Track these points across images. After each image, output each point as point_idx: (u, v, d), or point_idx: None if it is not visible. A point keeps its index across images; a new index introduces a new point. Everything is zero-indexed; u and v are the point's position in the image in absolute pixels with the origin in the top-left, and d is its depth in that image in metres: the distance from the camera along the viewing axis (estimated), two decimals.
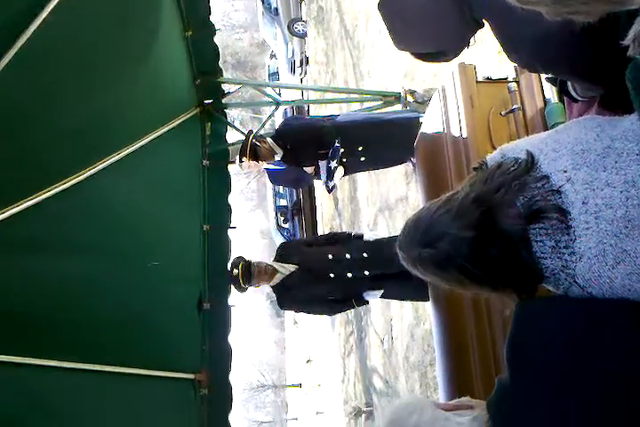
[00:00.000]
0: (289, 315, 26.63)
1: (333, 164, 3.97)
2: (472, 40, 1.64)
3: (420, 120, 3.67)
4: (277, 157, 3.99)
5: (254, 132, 4.09)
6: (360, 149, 4.10)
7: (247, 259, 3.41)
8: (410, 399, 0.98)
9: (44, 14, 1.55)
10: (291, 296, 3.59)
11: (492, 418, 0.86)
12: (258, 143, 3.91)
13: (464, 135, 2.42)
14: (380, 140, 4.08)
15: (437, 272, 0.98)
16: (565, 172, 0.90)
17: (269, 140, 3.99)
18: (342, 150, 3.98)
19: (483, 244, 0.90)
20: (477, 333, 2.10)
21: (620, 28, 0.90)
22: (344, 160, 4.06)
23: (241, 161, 3.90)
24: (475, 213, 0.91)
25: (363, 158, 4.16)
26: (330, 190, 4.19)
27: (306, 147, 4.04)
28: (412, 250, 0.98)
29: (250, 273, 3.31)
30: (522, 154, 0.95)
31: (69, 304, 1.83)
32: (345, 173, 4.24)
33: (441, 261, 0.94)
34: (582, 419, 0.78)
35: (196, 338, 2.44)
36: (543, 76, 2.14)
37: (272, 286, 3.63)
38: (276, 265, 3.51)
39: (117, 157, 2.24)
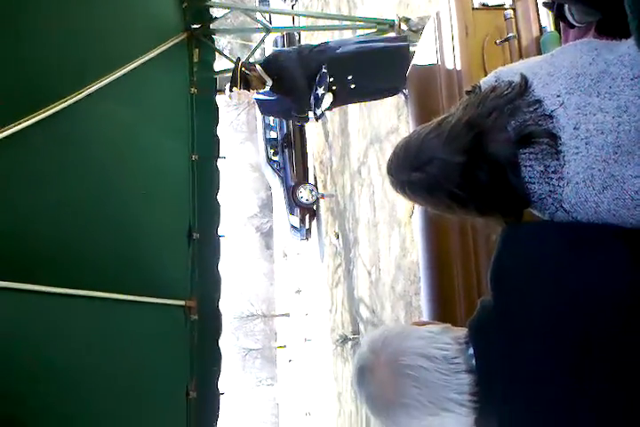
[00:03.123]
0: (278, 247, 26.95)
1: (320, 91, 3.92)
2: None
3: (412, 49, 3.59)
4: (268, 85, 3.91)
5: (243, 59, 3.99)
6: (350, 77, 4.03)
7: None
8: (394, 324, 1.01)
9: None
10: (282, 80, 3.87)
11: (472, 339, 0.88)
12: (248, 72, 3.82)
13: (458, 64, 2.37)
14: (371, 68, 4.00)
15: (426, 197, 0.98)
16: (559, 96, 0.89)
17: (259, 67, 3.90)
18: (331, 79, 3.92)
19: (472, 169, 0.90)
20: (462, 260, 2.14)
21: None
22: (333, 88, 3.99)
23: (231, 90, 3.83)
24: (466, 138, 0.90)
25: (352, 86, 4.08)
26: (318, 118, 4.14)
27: (294, 77, 3.96)
28: (401, 174, 0.98)
29: (247, 79, 3.63)
30: (516, 77, 0.93)
31: (59, 231, 1.83)
32: (334, 103, 4.17)
33: (430, 185, 0.94)
34: (567, 336, 0.80)
35: (187, 267, 2.47)
36: (540, 0, 2.08)
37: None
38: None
39: (103, 83, 2.18)
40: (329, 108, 4.20)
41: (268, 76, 3.94)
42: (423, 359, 0.85)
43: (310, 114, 4.11)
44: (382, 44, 4.19)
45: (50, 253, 1.75)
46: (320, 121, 11.01)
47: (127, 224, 2.09)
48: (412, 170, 0.95)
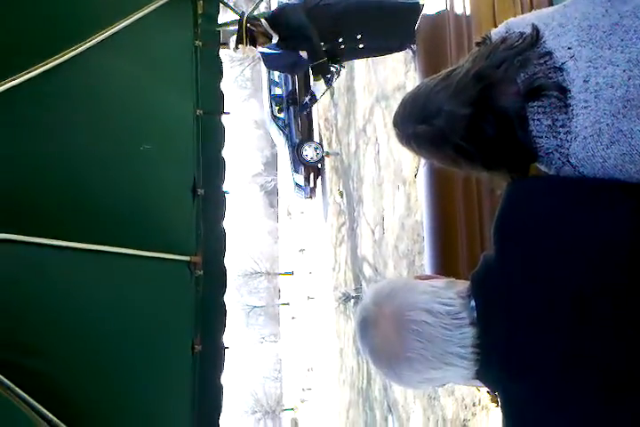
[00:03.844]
0: (283, 206, 27.02)
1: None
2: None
3: (422, 4, 3.51)
4: (274, 40, 3.85)
5: (247, 14, 3.91)
6: (359, 37, 3.95)
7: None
8: (395, 278, 1.02)
9: None
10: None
11: (474, 292, 0.88)
12: (253, 27, 3.76)
13: (467, 18, 2.32)
14: (380, 26, 3.92)
15: (432, 150, 0.97)
16: (570, 48, 0.87)
17: (264, 22, 3.82)
18: (340, 39, 3.87)
19: (479, 121, 0.89)
20: (466, 217, 2.14)
21: None
22: (342, 47, 3.93)
23: (237, 47, 3.78)
24: (474, 90, 0.88)
25: (361, 46, 4.02)
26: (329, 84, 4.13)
27: (303, 30, 3.89)
28: (407, 126, 0.97)
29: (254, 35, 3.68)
30: (527, 28, 0.91)
31: (63, 185, 1.83)
32: (342, 61, 4.11)
33: (436, 138, 0.93)
34: (567, 287, 0.81)
35: (191, 222, 2.47)
36: None
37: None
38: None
39: (106, 35, 2.14)
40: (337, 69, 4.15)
41: (275, 30, 3.86)
42: (427, 314, 0.86)
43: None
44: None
45: (53, 206, 1.75)
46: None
47: (131, 179, 2.08)
48: (418, 122, 0.94)
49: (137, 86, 2.27)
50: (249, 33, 3.69)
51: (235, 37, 5.11)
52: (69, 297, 1.80)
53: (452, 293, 0.89)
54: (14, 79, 1.66)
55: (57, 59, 1.85)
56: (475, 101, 0.88)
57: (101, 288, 1.92)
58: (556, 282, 0.82)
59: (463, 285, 0.91)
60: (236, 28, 3.74)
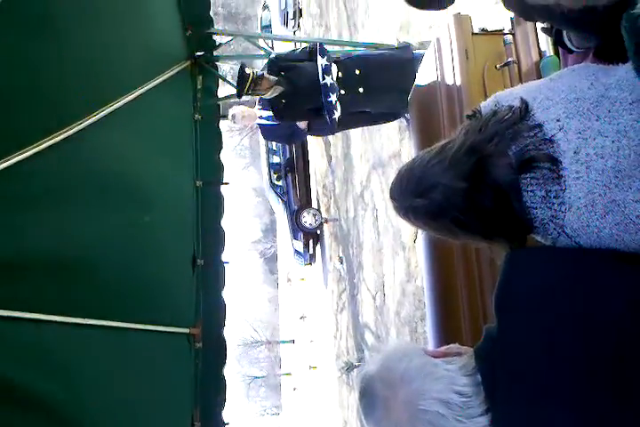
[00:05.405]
0: (282, 273, 26.87)
1: (333, 98, 3.94)
2: None
3: (420, 58, 3.62)
4: (277, 92, 3.91)
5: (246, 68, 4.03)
6: (357, 72, 4.04)
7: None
8: (399, 345, 1.00)
9: None
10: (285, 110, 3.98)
11: (479, 368, 0.87)
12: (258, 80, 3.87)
13: (458, 89, 2.39)
14: (379, 68, 4.01)
15: (429, 222, 0.98)
16: (558, 120, 0.89)
17: (266, 74, 3.96)
18: (339, 74, 3.96)
19: (475, 194, 0.90)
20: (467, 286, 2.13)
21: None
22: (342, 93, 3.98)
23: (239, 97, 3.89)
24: (468, 164, 0.90)
25: (361, 89, 4.07)
26: (332, 123, 4.05)
27: (304, 71, 3.97)
28: (405, 200, 0.98)
29: (256, 82, 3.70)
30: (516, 101, 0.94)
31: (64, 259, 1.83)
32: (342, 114, 4.11)
33: (433, 211, 0.94)
34: (570, 364, 0.80)
35: (191, 294, 2.46)
36: (539, 26, 2.10)
37: (268, 99, 3.99)
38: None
39: (108, 111, 2.20)
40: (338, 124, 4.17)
41: (274, 74, 3.96)
42: (442, 406, 0.85)
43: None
44: (388, 51, 4.23)
45: (53, 281, 1.75)
46: (323, 140, 11.10)
47: (132, 252, 2.08)
48: (415, 196, 0.96)
49: (137, 160, 2.32)
50: (253, 80, 3.79)
51: (232, 109, 5.25)
52: (68, 373, 1.76)
53: (465, 378, 0.88)
54: (13, 157, 1.69)
55: (56, 137, 1.89)
56: (470, 175, 0.90)
57: (99, 363, 1.89)
58: (557, 356, 0.81)
59: (471, 358, 0.90)
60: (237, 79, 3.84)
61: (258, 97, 4.08)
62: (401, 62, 3.96)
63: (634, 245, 0.85)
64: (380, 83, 4.06)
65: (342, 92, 3.97)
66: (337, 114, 3.98)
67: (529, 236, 0.95)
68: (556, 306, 0.84)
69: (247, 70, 3.80)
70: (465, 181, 0.90)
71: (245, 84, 3.77)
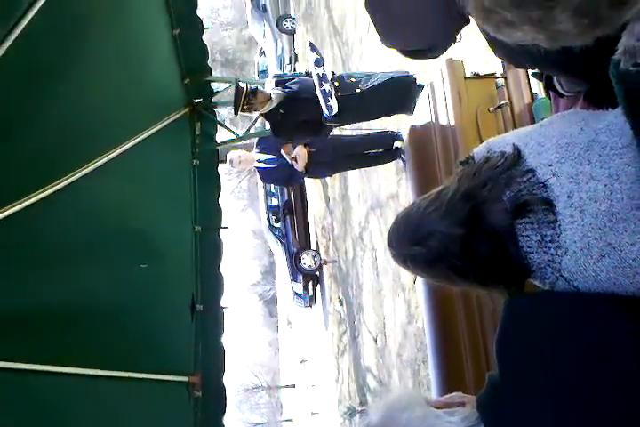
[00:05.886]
0: (282, 315, 26.60)
1: (326, 86, 3.96)
2: (459, 36, 1.64)
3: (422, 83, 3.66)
4: (272, 105, 3.95)
5: (243, 131, 4.08)
6: (354, 81, 4.09)
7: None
8: (402, 394, 0.98)
9: (31, 14, 1.54)
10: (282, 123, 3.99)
11: (482, 417, 0.86)
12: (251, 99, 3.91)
13: (453, 131, 2.43)
14: (378, 84, 4.06)
15: (427, 270, 0.99)
16: (551, 165, 0.91)
17: (260, 87, 4.01)
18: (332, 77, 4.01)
19: (472, 241, 0.91)
20: (469, 328, 2.11)
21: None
22: (339, 94, 3.99)
23: (236, 114, 3.95)
24: (463, 210, 0.91)
25: (358, 90, 4.10)
26: (330, 113, 3.99)
27: (305, 86, 4.02)
28: (402, 248, 0.99)
29: (250, 96, 3.77)
30: (508, 148, 0.96)
31: (62, 309, 1.81)
32: (339, 109, 4.09)
33: (431, 259, 0.95)
34: (574, 406, 0.79)
35: (190, 340, 2.43)
36: (530, 71, 2.15)
37: (264, 114, 4.00)
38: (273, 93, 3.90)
39: (108, 158, 2.23)
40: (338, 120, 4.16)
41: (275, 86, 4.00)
42: None
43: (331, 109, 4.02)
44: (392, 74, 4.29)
45: (50, 330, 1.73)
46: (321, 181, 11.16)
47: (130, 299, 2.07)
48: (412, 244, 0.96)
49: (137, 207, 2.33)
50: (246, 98, 3.83)
51: (230, 154, 5.31)
52: (67, 424, 1.73)
53: None
54: (14, 206, 1.70)
55: (57, 184, 1.90)
56: (466, 222, 0.91)
57: (97, 413, 1.86)
58: (561, 402, 0.79)
59: (474, 409, 0.89)
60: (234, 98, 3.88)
61: (255, 112, 4.09)
62: (401, 85, 4.01)
63: (632, 288, 0.84)
64: (377, 98, 4.08)
65: (339, 94, 3.98)
66: (333, 103, 3.97)
67: (527, 281, 0.95)
68: (557, 353, 0.83)
69: (241, 84, 3.88)
70: (461, 227, 0.90)
71: (240, 98, 3.82)
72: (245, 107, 3.89)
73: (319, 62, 4.03)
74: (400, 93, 3.95)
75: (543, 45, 0.84)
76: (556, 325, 0.86)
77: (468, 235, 0.90)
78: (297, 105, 4.03)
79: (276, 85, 4.05)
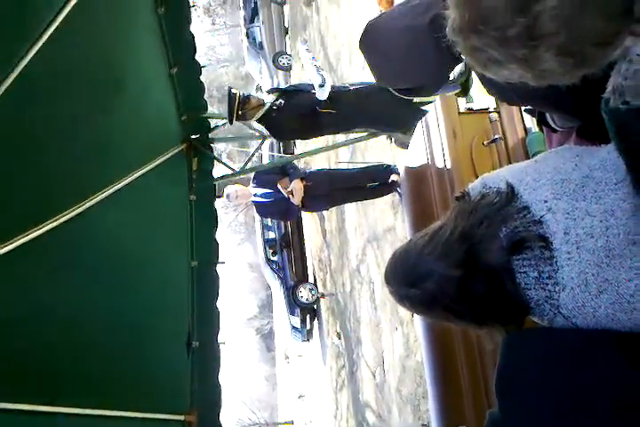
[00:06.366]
0: (280, 349, 26.28)
1: (317, 62, 3.95)
2: (451, 75, 1.67)
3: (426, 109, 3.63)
4: (265, 110, 3.95)
5: (239, 167, 4.10)
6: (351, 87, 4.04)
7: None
8: None
9: (29, 57, 1.56)
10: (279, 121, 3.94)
11: None
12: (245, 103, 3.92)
13: (448, 165, 2.45)
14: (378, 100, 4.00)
15: (424, 310, 0.99)
16: (546, 202, 0.91)
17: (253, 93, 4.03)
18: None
19: (468, 282, 0.91)
20: (468, 363, 2.09)
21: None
22: (333, 92, 3.93)
23: (231, 123, 3.91)
24: (460, 251, 0.91)
25: (352, 88, 4.02)
26: (324, 82, 3.89)
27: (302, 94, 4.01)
28: (399, 288, 0.99)
29: (244, 101, 3.78)
30: (503, 184, 0.96)
31: (56, 346, 1.80)
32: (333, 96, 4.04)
33: (427, 300, 0.95)
34: None
35: (186, 378, 2.40)
36: (522, 107, 2.18)
37: (260, 119, 3.95)
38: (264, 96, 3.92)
39: (106, 194, 2.23)
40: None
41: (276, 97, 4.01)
42: None
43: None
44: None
45: (48, 371, 1.71)
46: (318, 215, 11.15)
47: (126, 337, 2.05)
48: (408, 286, 0.96)
49: (134, 242, 2.33)
50: (240, 103, 3.84)
51: (227, 188, 5.33)
52: None
53: None
54: (16, 240, 1.70)
55: (56, 220, 1.90)
56: (462, 262, 0.91)
57: None
58: None
59: None
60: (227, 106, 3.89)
61: (249, 120, 4.08)
62: (402, 100, 3.98)
63: (630, 324, 0.84)
64: (373, 99, 4.02)
65: (333, 91, 3.93)
66: (325, 74, 3.90)
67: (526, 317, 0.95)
68: (557, 390, 0.82)
69: (234, 90, 3.91)
70: (458, 269, 0.91)
71: (234, 104, 3.84)
72: (239, 113, 3.91)
73: (319, 69, 4.05)
74: (400, 105, 3.90)
75: (531, 83, 0.85)
76: (555, 362, 0.86)
77: (465, 277, 0.91)
78: (292, 97, 4.02)
79: (272, 91, 4.09)
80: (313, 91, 3.88)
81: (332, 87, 3.94)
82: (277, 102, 3.97)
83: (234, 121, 3.91)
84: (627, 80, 0.81)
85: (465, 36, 0.80)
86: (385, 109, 3.94)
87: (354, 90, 4.01)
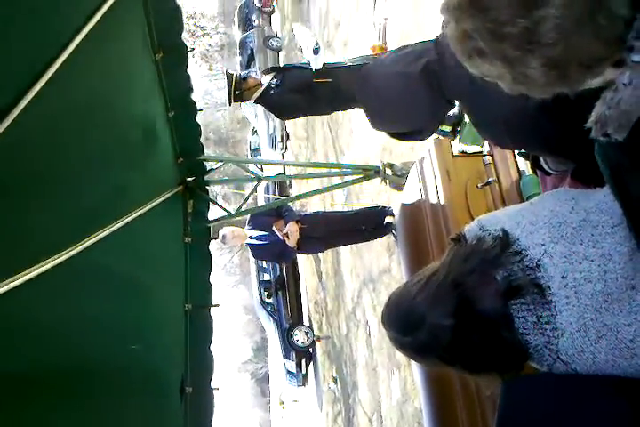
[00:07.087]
0: (275, 394, 25.76)
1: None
2: (445, 119, 1.70)
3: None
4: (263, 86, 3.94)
5: (235, 209, 4.11)
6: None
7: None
8: None
9: (31, 96, 1.57)
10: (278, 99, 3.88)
11: None
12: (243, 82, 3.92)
13: (443, 207, 2.46)
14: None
15: (418, 358, 0.97)
16: (543, 245, 0.91)
17: (253, 74, 4.04)
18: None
19: (462, 331, 0.89)
20: (467, 409, 2.05)
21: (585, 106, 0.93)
22: (328, 67, 3.89)
23: (229, 104, 3.99)
24: (453, 299, 0.90)
25: (349, 63, 4.00)
26: (317, 46, 3.89)
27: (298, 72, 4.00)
28: (394, 334, 0.98)
29: (241, 81, 3.78)
30: (499, 226, 0.96)
31: (52, 387, 1.76)
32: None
33: (421, 349, 0.94)
34: None
35: (179, 425, 2.34)
36: (516, 151, 2.21)
37: (258, 99, 3.93)
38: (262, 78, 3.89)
39: (100, 237, 2.22)
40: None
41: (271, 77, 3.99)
42: None
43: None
44: None
45: (45, 416, 1.66)
46: (313, 256, 11.09)
47: (119, 382, 2.00)
48: (402, 334, 0.95)
49: (129, 285, 2.30)
50: (238, 84, 3.82)
51: (222, 230, 5.32)
52: None
53: None
54: (12, 281, 1.68)
55: (50, 262, 1.88)
56: (456, 311, 0.90)
57: None
58: None
59: None
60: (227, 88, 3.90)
61: (247, 102, 4.09)
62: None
63: (630, 369, 0.83)
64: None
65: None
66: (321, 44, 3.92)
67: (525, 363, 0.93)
68: None
69: (230, 71, 3.94)
70: (451, 317, 0.90)
71: (231, 85, 3.85)
72: (237, 93, 3.91)
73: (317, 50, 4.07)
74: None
75: (503, 86, 0.83)
76: (555, 409, 0.84)
77: (459, 326, 0.89)
78: (288, 73, 3.99)
79: (269, 71, 4.10)
80: (309, 67, 3.87)
81: (327, 63, 3.95)
82: (274, 81, 3.94)
83: (232, 102, 3.97)
84: (610, 109, 0.81)
85: (459, 16, 0.77)
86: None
87: (349, 64, 4.02)
